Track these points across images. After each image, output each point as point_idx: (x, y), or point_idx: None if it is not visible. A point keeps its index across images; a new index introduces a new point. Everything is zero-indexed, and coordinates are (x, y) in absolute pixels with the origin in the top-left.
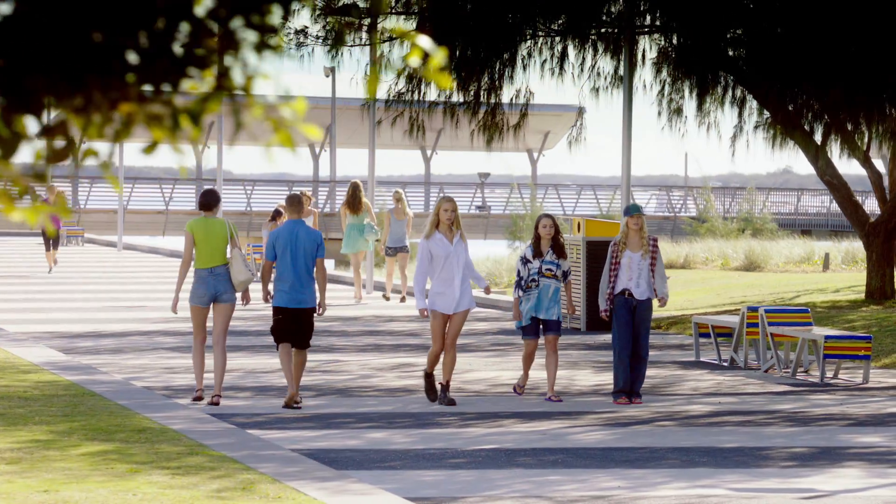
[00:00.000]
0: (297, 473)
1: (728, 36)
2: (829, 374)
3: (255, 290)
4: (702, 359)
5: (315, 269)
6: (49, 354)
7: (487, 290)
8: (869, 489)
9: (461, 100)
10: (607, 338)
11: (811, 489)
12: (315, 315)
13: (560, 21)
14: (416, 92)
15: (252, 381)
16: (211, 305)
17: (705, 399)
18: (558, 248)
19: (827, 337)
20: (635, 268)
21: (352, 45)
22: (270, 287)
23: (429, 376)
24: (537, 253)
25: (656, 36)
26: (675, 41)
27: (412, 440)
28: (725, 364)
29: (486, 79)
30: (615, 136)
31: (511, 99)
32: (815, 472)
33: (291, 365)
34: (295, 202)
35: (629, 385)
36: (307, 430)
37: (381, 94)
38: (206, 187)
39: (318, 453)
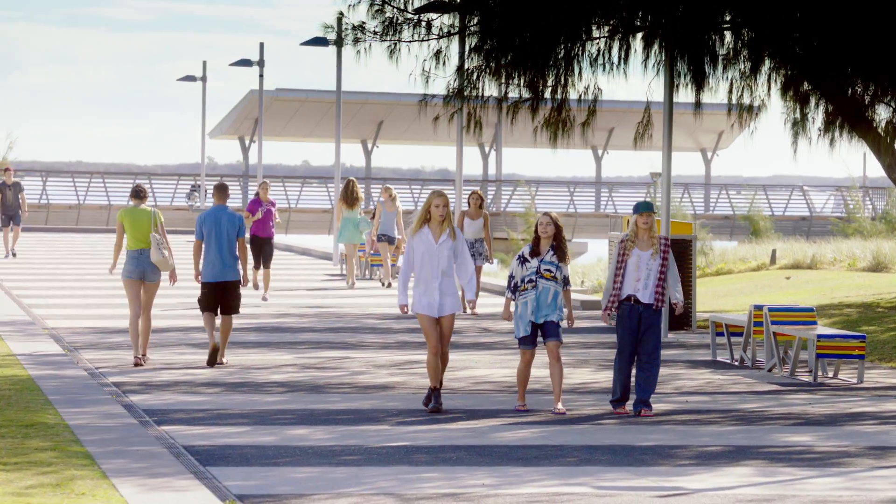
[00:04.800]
0: (138, 470)
1: (790, 26)
2: (831, 373)
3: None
4: (718, 358)
5: (237, 248)
6: (43, 349)
7: (472, 306)
8: (739, 487)
9: (523, 96)
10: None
11: (677, 487)
12: (241, 286)
13: (624, 14)
14: (474, 88)
15: (238, 378)
16: (143, 282)
17: (676, 398)
18: (560, 251)
19: (820, 336)
20: (644, 268)
21: (410, 41)
22: (200, 266)
23: (434, 390)
24: (535, 252)
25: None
26: (743, 36)
27: (329, 437)
28: (736, 363)
29: (551, 74)
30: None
31: (579, 95)
32: (703, 471)
33: (214, 327)
34: (220, 190)
35: (628, 394)
36: (234, 426)
37: (440, 89)
38: (139, 182)
39: (214, 450)
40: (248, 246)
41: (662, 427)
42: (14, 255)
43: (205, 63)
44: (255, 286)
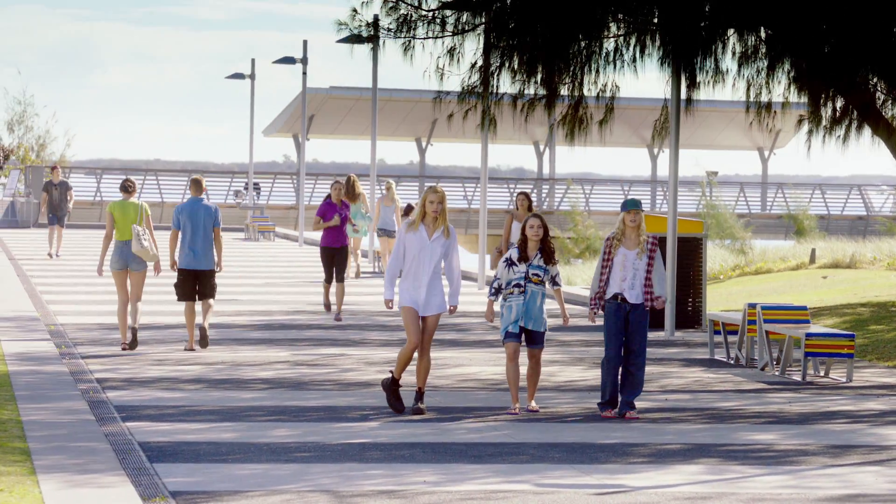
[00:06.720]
0: (71, 466)
1: (803, 24)
2: (823, 372)
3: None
4: (716, 356)
5: (213, 237)
6: (36, 345)
7: (450, 311)
8: (681, 485)
9: (537, 93)
10: (656, 335)
11: (619, 485)
12: (216, 273)
13: (638, 12)
14: (489, 85)
15: (225, 374)
16: (128, 272)
17: (657, 396)
18: (547, 254)
19: (808, 334)
20: (630, 267)
21: (424, 38)
22: (177, 255)
23: (395, 383)
24: (523, 257)
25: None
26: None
27: (290, 433)
28: (732, 362)
29: (568, 71)
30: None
31: (598, 93)
32: (652, 469)
33: (194, 320)
34: (195, 183)
35: (617, 397)
36: (199, 423)
37: (454, 86)
38: (127, 177)
39: (169, 446)
40: (321, 259)
41: (630, 425)
42: (57, 255)
43: (253, 61)
44: (327, 307)
